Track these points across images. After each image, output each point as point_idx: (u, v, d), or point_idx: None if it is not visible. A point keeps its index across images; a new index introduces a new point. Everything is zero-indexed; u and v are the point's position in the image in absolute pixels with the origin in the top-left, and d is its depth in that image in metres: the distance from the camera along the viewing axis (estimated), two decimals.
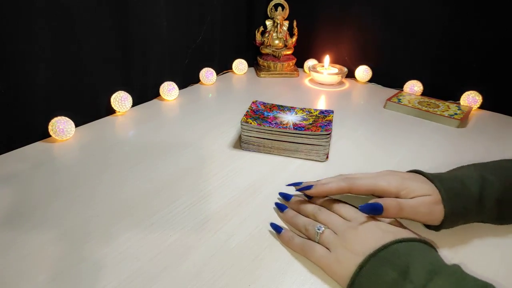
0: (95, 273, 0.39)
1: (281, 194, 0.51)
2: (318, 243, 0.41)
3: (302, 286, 0.38)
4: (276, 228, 0.45)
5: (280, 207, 0.48)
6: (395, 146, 0.66)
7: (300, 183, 0.49)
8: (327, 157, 0.61)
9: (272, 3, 1.00)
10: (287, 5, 1.00)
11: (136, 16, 0.72)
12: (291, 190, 0.50)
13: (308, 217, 0.45)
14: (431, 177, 0.44)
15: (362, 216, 0.42)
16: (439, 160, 0.61)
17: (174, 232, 0.45)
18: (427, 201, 0.42)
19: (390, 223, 0.41)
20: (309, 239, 0.42)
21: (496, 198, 0.42)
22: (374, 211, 0.41)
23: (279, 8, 0.99)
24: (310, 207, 0.46)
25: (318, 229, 0.41)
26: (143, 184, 0.53)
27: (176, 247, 0.42)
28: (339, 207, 0.44)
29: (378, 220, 0.41)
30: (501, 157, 0.49)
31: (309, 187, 0.47)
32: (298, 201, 0.48)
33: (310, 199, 0.48)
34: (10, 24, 0.54)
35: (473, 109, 0.81)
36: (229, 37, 0.99)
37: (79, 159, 0.60)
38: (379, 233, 0.39)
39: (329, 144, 0.60)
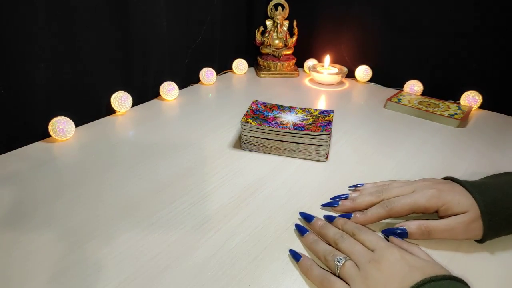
0: (95, 273, 0.39)
1: (302, 214, 0.47)
2: (338, 276, 0.38)
3: (302, 286, 0.38)
4: (295, 255, 0.41)
5: (300, 230, 0.44)
6: (395, 146, 0.66)
7: (337, 202, 0.48)
8: (327, 157, 0.61)
9: (272, 3, 1.00)
10: (287, 5, 1.00)
11: (136, 16, 0.72)
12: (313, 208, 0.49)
13: (330, 244, 0.42)
14: (471, 188, 0.42)
15: (386, 245, 0.38)
16: (439, 160, 0.61)
17: (174, 232, 0.45)
18: (463, 220, 0.40)
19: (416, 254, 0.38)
20: (329, 269, 0.39)
21: None
22: (399, 236, 0.40)
23: (279, 8, 0.99)
24: (332, 232, 0.42)
25: (338, 261, 0.38)
26: (143, 184, 0.53)
27: (176, 247, 0.42)
28: (362, 234, 0.41)
29: (404, 248, 0.39)
30: (501, 157, 0.49)
31: (348, 215, 0.45)
32: (320, 223, 0.45)
33: (332, 220, 0.46)
34: (10, 24, 0.54)
35: (473, 109, 0.81)
36: (229, 37, 0.99)
37: (79, 159, 0.60)
38: (405, 270, 0.35)
39: (329, 144, 0.60)
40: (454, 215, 0.41)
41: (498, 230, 0.41)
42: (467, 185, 0.42)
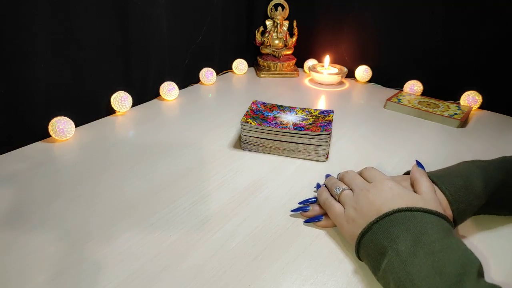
0: (95, 273, 0.39)
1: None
2: (338, 201, 0.44)
3: (302, 286, 0.38)
4: (318, 186, 0.51)
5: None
6: (395, 146, 0.66)
7: (307, 207, 0.48)
8: (327, 157, 0.61)
9: (272, 3, 1.00)
10: (287, 5, 1.00)
11: (136, 16, 0.72)
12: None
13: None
14: (435, 179, 0.43)
15: (382, 178, 0.43)
16: (439, 160, 0.61)
17: (174, 232, 0.45)
18: None
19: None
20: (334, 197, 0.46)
21: (500, 186, 0.42)
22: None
23: (279, 8, 0.99)
24: (342, 172, 0.50)
25: (337, 190, 0.45)
26: (143, 184, 0.53)
27: (176, 247, 0.42)
28: (366, 170, 0.46)
29: (400, 182, 0.42)
30: None
31: (318, 217, 0.46)
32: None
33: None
34: (10, 24, 0.54)
35: (473, 109, 0.81)
36: (229, 37, 0.99)
37: (79, 159, 0.60)
38: (387, 197, 0.39)
39: (329, 144, 0.60)
40: None
41: (464, 216, 0.43)
42: (432, 177, 0.44)
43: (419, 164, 0.47)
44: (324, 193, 0.47)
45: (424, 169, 0.46)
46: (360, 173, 0.47)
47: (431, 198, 0.40)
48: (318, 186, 0.52)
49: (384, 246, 0.35)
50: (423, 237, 0.34)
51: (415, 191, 0.42)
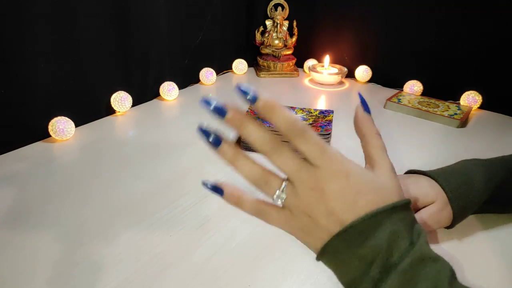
0: (95, 273, 0.39)
1: (204, 102, 0.29)
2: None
3: (302, 286, 0.38)
4: (216, 190, 0.33)
5: (214, 142, 0.31)
6: (395, 146, 0.66)
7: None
8: None
9: (272, 3, 1.00)
10: (287, 5, 1.00)
11: (136, 16, 0.72)
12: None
13: (255, 149, 0.30)
14: (435, 177, 0.43)
15: (330, 163, 0.29)
16: (439, 160, 0.61)
17: (174, 232, 0.44)
18: (433, 211, 0.41)
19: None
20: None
21: (501, 183, 0.42)
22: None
23: (279, 8, 0.99)
24: (260, 138, 0.30)
25: (276, 198, 0.30)
26: (143, 184, 0.53)
27: (176, 247, 0.42)
28: (300, 139, 0.29)
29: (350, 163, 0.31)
30: None
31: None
32: (240, 119, 0.30)
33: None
34: (10, 24, 0.54)
35: (473, 109, 0.81)
36: (229, 37, 0.99)
37: (79, 159, 0.60)
38: (348, 198, 0.28)
39: (329, 144, 0.60)
40: (424, 207, 0.42)
41: (464, 213, 0.42)
42: (432, 175, 0.43)
43: (363, 102, 0.36)
44: (245, 201, 0.32)
45: (370, 112, 0.35)
46: (290, 138, 0.29)
47: (392, 177, 0.32)
48: (212, 138, 0.32)
49: (350, 266, 0.28)
50: (393, 252, 0.28)
51: (370, 159, 0.34)
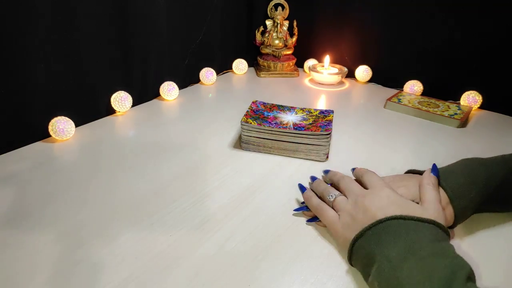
0: (95, 273, 0.39)
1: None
2: (332, 208, 0.44)
3: (302, 286, 0.38)
4: (302, 188, 0.49)
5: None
6: (395, 146, 0.66)
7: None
8: (327, 157, 0.61)
9: (272, 3, 1.00)
10: (287, 5, 1.00)
11: (136, 16, 0.72)
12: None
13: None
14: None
15: (381, 185, 0.42)
16: (439, 160, 0.61)
17: (174, 232, 0.44)
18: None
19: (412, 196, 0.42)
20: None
21: (501, 182, 0.43)
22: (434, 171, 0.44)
23: (279, 8, 0.99)
24: (337, 176, 0.48)
25: (330, 197, 0.44)
26: (143, 184, 0.53)
27: (176, 247, 0.42)
28: (367, 175, 0.45)
29: (395, 190, 0.42)
30: None
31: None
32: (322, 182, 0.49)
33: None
34: (10, 24, 0.54)
35: (473, 109, 0.81)
36: (229, 37, 0.99)
37: (79, 159, 0.60)
38: (383, 204, 0.39)
39: (329, 144, 0.60)
40: None
41: (465, 213, 0.43)
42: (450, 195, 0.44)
43: (434, 169, 0.45)
44: (313, 199, 0.46)
45: (438, 176, 0.44)
46: (361, 177, 0.46)
47: (432, 208, 0.39)
48: (314, 178, 0.52)
49: (374, 252, 0.35)
50: (414, 244, 0.34)
51: (420, 198, 0.42)
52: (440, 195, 0.42)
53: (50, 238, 0.43)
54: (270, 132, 0.60)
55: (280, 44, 1.02)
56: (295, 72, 1.02)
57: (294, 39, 1.02)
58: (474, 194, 0.42)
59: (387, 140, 0.68)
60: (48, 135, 0.64)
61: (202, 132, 0.69)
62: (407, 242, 0.34)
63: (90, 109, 0.71)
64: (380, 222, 0.37)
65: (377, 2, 0.89)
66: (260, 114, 0.65)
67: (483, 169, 0.44)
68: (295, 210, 0.48)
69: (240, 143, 0.63)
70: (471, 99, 0.81)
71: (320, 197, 0.47)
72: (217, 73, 0.95)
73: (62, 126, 0.63)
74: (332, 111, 0.66)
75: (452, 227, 0.43)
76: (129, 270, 0.39)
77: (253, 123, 0.60)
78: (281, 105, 0.69)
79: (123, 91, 0.74)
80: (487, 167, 0.44)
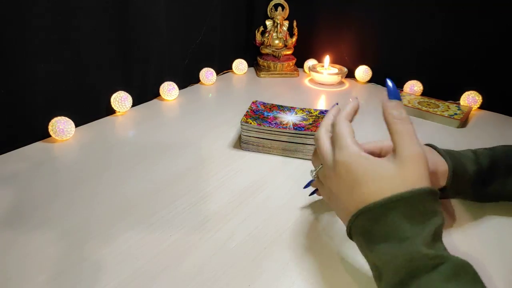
0: (95, 273, 0.39)
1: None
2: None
3: (302, 286, 0.38)
4: (310, 183, 0.48)
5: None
6: None
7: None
8: None
9: (272, 3, 1.00)
10: (287, 5, 1.00)
11: (136, 16, 0.72)
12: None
13: None
14: (444, 153, 0.44)
15: (340, 156, 0.35)
16: None
17: (174, 232, 0.45)
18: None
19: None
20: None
21: (490, 161, 0.45)
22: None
23: (279, 8, 0.99)
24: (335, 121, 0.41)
25: (312, 172, 0.41)
26: (143, 184, 0.53)
27: (176, 247, 0.42)
28: (335, 126, 0.39)
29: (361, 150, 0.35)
30: None
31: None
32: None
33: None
34: (10, 24, 0.54)
35: (473, 109, 0.81)
36: (229, 37, 0.99)
37: (79, 159, 0.60)
38: (348, 189, 0.34)
39: None
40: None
41: (458, 189, 0.44)
42: (442, 152, 0.45)
43: (391, 91, 0.39)
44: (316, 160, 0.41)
45: (400, 98, 0.37)
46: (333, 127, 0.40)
47: (410, 159, 0.32)
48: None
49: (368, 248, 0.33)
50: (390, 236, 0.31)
51: (394, 148, 0.34)
52: (426, 149, 0.43)
53: (50, 238, 0.43)
54: (270, 132, 0.60)
55: (280, 44, 1.02)
56: (295, 72, 1.02)
57: (294, 39, 1.02)
58: (465, 159, 0.44)
59: (387, 140, 0.68)
60: (48, 135, 0.64)
61: (202, 132, 0.69)
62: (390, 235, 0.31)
63: (90, 109, 0.71)
64: (355, 216, 0.33)
65: (377, 2, 0.89)
66: (260, 114, 0.65)
67: (471, 151, 0.47)
68: (304, 187, 0.48)
69: (240, 143, 0.63)
70: (471, 99, 0.81)
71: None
72: (217, 73, 0.95)
73: (62, 126, 0.63)
74: None
75: (444, 189, 0.42)
76: (130, 270, 0.39)
77: (253, 123, 0.60)
78: (281, 105, 0.69)
79: (123, 91, 0.74)
80: (476, 149, 0.47)
